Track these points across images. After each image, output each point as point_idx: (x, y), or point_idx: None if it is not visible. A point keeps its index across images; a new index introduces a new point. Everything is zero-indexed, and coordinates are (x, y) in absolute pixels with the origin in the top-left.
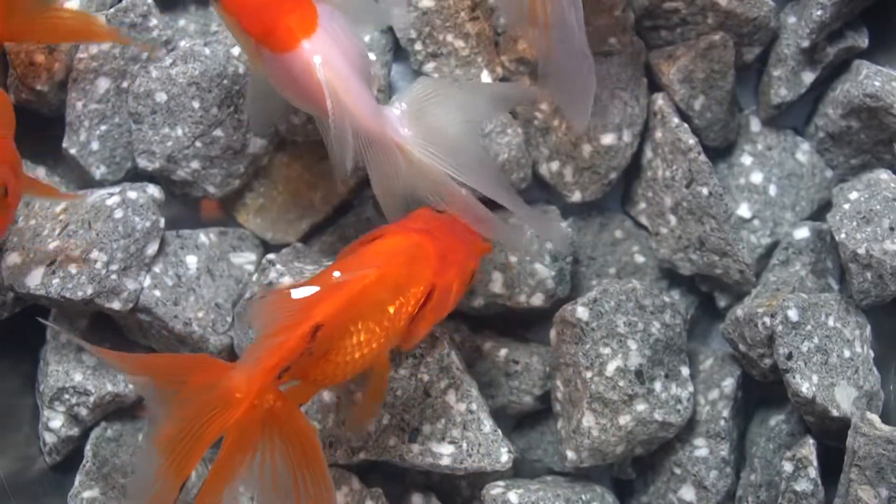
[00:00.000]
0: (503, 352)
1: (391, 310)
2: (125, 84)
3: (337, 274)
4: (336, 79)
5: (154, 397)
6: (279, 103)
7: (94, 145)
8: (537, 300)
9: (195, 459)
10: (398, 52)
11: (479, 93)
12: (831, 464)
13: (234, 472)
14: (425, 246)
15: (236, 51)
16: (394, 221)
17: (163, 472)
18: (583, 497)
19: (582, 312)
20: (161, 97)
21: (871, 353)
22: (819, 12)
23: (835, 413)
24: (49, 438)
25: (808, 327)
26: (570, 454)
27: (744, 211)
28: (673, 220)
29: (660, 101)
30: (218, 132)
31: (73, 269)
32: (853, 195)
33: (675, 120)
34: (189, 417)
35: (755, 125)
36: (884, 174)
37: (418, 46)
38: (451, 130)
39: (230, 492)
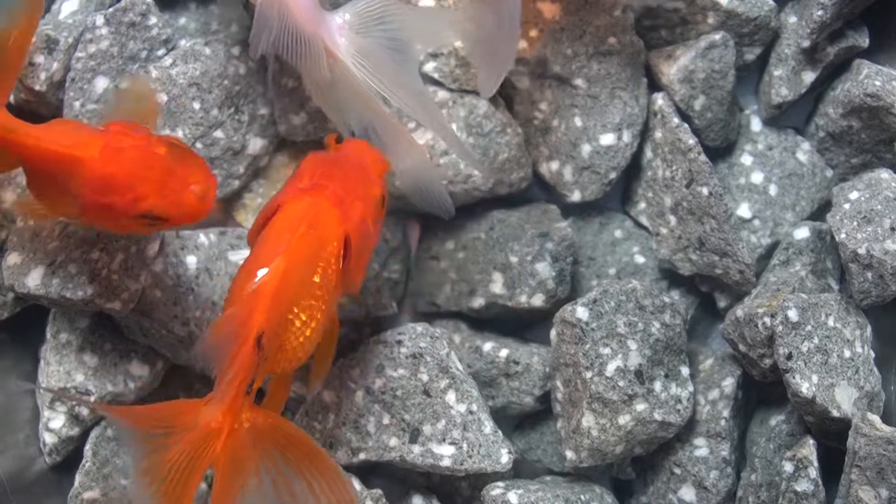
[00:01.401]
0: (503, 352)
1: (317, 279)
2: (125, 84)
3: (256, 278)
4: None
5: (141, 445)
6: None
7: None
8: (537, 300)
9: (188, 497)
10: None
11: (424, 18)
12: (831, 464)
13: (231, 500)
14: (320, 203)
15: (237, 50)
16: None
17: None
18: (582, 497)
19: (582, 313)
20: (161, 97)
21: (872, 354)
22: (820, 12)
23: (835, 413)
24: (49, 439)
25: (808, 327)
26: (569, 454)
27: (744, 211)
28: (673, 220)
29: (660, 100)
30: (218, 133)
31: (73, 269)
32: (854, 195)
33: (675, 120)
34: (175, 459)
35: (756, 125)
36: (884, 174)
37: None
38: (389, 50)
39: None
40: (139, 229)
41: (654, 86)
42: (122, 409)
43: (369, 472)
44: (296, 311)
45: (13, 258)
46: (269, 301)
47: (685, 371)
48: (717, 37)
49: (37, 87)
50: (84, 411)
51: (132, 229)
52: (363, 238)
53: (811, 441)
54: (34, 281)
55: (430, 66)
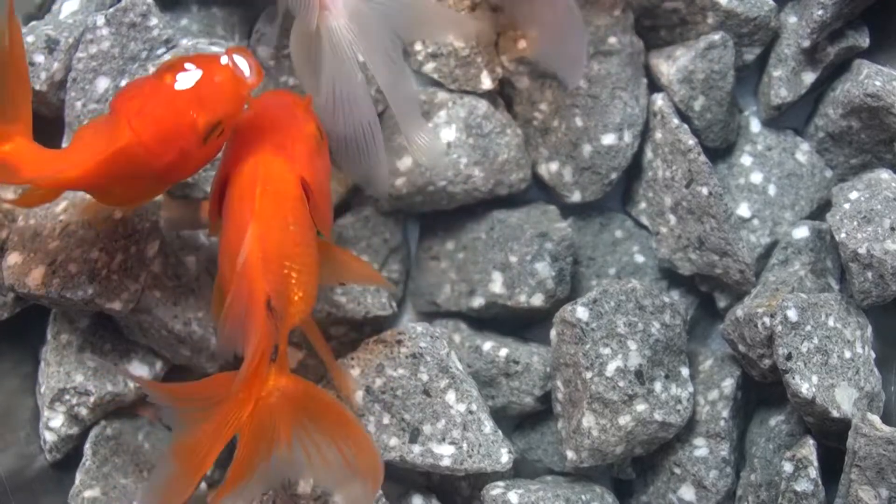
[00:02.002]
0: (503, 352)
1: (293, 227)
2: (124, 83)
3: (241, 259)
4: None
5: (180, 421)
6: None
7: None
8: (537, 300)
9: (206, 465)
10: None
11: (430, 9)
12: (831, 464)
13: (252, 466)
14: (264, 157)
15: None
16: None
17: (176, 477)
18: (583, 497)
19: (582, 313)
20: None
21: (872, 354)
22: (820, 12)
23: (835, 414)
24: (49, 437)
25: (808, 327)
26: (570, 454)
27: (743, 211)
28: (673, 219)
29: (660, 101)
30: None
31: (73, 269)
32: (853, 195)
33: (675, 120)
34: (207, 431)
35: (755, 126)
36: (884, 174)
37: (418, 47)
38: (383, 24)
39: (250, 489)
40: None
41: (654, 86)
42: (166, 386)
43: None
44: (288, 263)
45: (13, 258)
46: (261, 266)
47: (685, 371)
48: (717, 37)
49: (37, 87)
50: (83, 410)
51: (207, 153)
52: (317, 174)
53: (811, 441)
54: (34, 281)
55: (429, 67)
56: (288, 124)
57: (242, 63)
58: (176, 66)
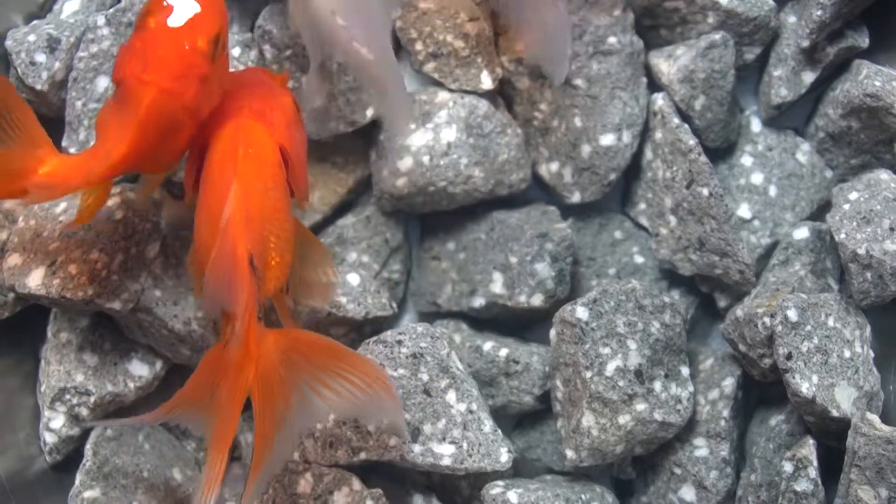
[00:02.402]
0: (503, 352)
1: (272, 192)
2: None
3: (225, 216)
4: None
5: (198, 418)
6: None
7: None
8: (537, 300)
9: (231, 431)
10: (398, 52)
11: None
12: (831, 464)
13: (275, 424)
14: (244, 123)
15: (236, 51)
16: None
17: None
18: (582, 497)
19: (582, 312)
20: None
21: (871, 354)
22: (819, 12)
23: (835, 413)
24: (49, 438)
25: (808, 327)
26: (569, 454)
27: (744, 211)
28: (673, 220)
29: (660, 101)
30: None
31: (73, 269)
32: (853, 195)
33: (676, 120)
34: (221, 402)
35: (756, 125)
36: (884, 174)
37: (418, 46)
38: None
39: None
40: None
41: (654, 86)
42: (167, 406)
43: (369, 472)
44: (267, 226)
45: (14, 259)
46: (245, 223)
47: (685, 371)
48: (717, 37)
49: (38, 87)
50: (84, 410)
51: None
52: (295, 144)
53: (811, 441)
54: (34, 281)
55: (430, 66)
56: (266, 94)
57: None
58: (153, 10)
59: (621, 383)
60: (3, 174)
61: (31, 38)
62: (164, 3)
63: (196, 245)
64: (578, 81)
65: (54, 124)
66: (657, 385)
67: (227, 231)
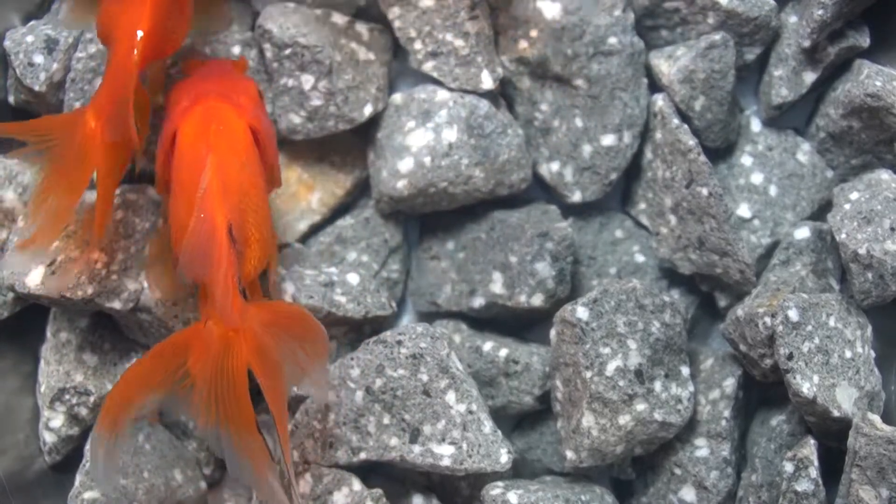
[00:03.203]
0: (503, 352)
1: (248, 169)
2: None
3: (202, 187)
4: None
5: (174, 405)
6: None
7: None
8: (537, 300)
9: (247, 409)
10: (398, 51)
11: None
12: (832, 464)
13: (282, 391)
14: (214, 104)
15: (237, 49)
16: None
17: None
18: (582, 497)
19: (582, 312)
20: (161, 98)
21: (873, 354)
22: (820, 12)
23: (836, 413)
24: (49, 438)
25: (809, 327)
26: (569, 454)
27: (744, 211)
28: (673, 220)
29: (660, 101)
30: None
31: (73, 268)
32: (854, 195)
33: (676, 121)
34: (214, 384)
35: (756, 125)
36: (885, 174)
37: (418, 46)
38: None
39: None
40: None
41: (655, 86)
42: (115, 397)
43: (369, 472)
44: (245, 201)
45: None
46: (223, 194)
47: (685, 371)
48: (717, 37)
49: (36, 88)
50: (83, 410)
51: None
52: (263, 125)
53: (812, 441)
54: (34, 281)
55: (429, 66)
56: (230, 80)
57: None
58: None
59: (621, 383)
60: None
61: (30, 38)
62: None
63: (173, 228)
64: (579, 82)
65: None
66: (657, 385)
67: (204, 200)
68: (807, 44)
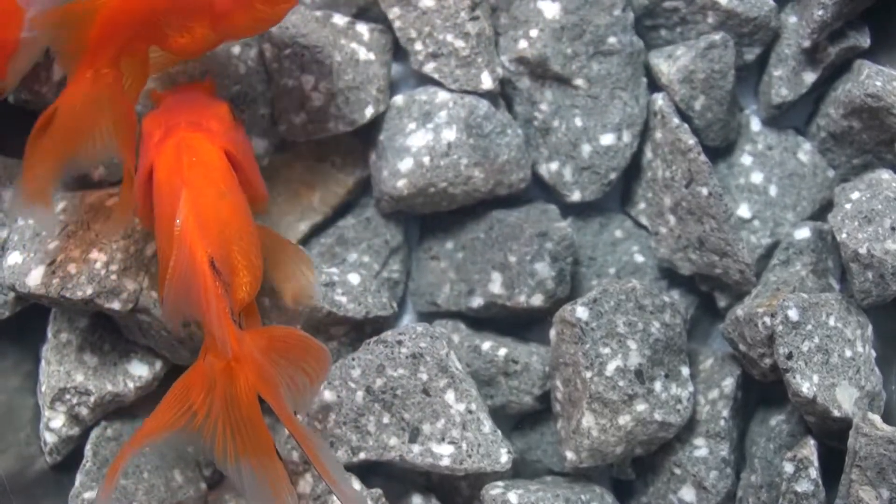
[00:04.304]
0: (502, 351)
1: (226, 196)
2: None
3: (177, 222)
4: None
5: (186, 440)
6: None
7: None
8: (536, 300)
9: (265, 436)
10: (398, 52)
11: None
12: (832, 464)
13: (287, 408)
14: (185, 136)
15: (237, 50)
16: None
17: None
18: (582, 497)
19: (582, 312)
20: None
21: (873, 353)
22: (820, 12)
23: (836, 413)
24: (49, 438)
25: (809, 327)
26: (569, 454)
27: (744, 211)
28: (672, 219)
29: (660, 101)
30: None
31: (73, 269)
32: (855, 195)
33: (676, 120)
34: (223, 419)
35: (755, 125)
36: (885, 174)
37: (418, 46)
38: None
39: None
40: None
41: (654, 86)
42: (138, 436)
43: (369, 472)
44: (226, 231)
45: (13, 258)
46: (200, 228)
47: (685, 371)
48: (717, 37)
49: (36, 87)
50: (84, 410)
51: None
52: (239, 147)
53: (812, 441)
54: (34, 281)
55: (430, 67)
56: (199, 106)
57: None
58: None
59: (621, 383)
60: None
61: None
62: None
63: (160, 266)
64: (579, 81)
65: None
66: (657, 385)
67: (182, 238)
68: (807, 44)
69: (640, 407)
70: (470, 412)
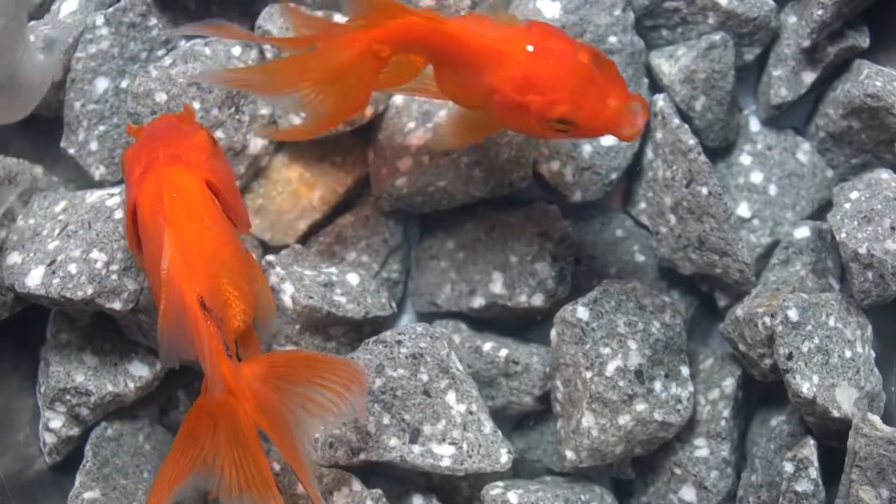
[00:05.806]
0: (503, 352)
1: (210, 228)
2: (124, 84)
3: (163, 266)
4: None
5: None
6: None
7: (93, 145)
8: (537, 300)
9: (265, 470)
10: None
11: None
12: (832, 464)
13: (294, 445)
14: (163, 171)
15: (237, 50)
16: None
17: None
18: (582, 497)
19: (582, 312)
20: (161, 97)
21: (873, 354)
22: (820, 12)
23: (836, 414)
24: (49, 439)
25: (809, 327)
26: (569, 454)
27: (743, 210)
28: (673, 219)
29: (661, 101)
30: (219, 133)
31: (73, 269)
32: (854, 195)
33: (676, 121)
34: (228, 454)
35: (755, 125)
36: (885, 174)
37: None
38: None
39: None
40: (547, 133)
41: (655, 86)
42: (160, 489)
43: (369, 472)
44: (214, 263)
45: (13, 258)
46: (186, 268)
47: (685, 371)
48: (717, 37)
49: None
50: (84, 410)
51: (541, 133)
52: (220, 175)
53: (812, 441)
54: (34, 281)
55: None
56: (176, 137)
57: None
58: (599, 56)
59: (621, 383)
60: None
61: (30, 38)
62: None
63: (154, 299)
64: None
65: (53, 125)
66: (657, 385)
67: (169, 280)
68: (806, 44)
69: (640, 407)
70: (471, 413)
